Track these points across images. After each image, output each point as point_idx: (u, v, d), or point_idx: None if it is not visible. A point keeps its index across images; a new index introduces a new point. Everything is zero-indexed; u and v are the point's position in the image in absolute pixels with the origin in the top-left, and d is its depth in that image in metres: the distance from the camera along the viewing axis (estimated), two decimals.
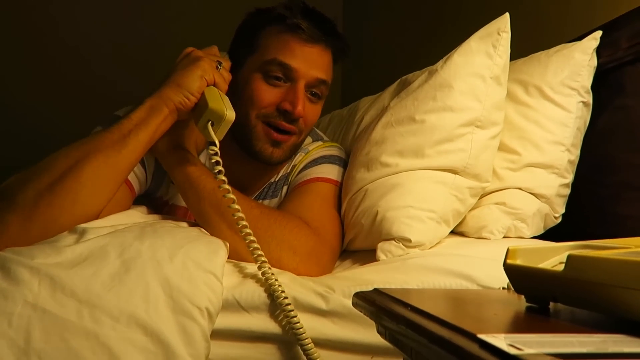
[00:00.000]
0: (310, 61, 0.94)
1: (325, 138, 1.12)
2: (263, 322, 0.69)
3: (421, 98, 0.92)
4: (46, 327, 0.58)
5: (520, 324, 0.46)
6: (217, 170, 0.76)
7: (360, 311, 0.57)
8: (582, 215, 1.00)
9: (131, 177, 0.88)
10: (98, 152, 0.76)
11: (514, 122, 0.96)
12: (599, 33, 0.96)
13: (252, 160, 0.97)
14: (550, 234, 0.95)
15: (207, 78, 0.84)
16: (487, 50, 0.90)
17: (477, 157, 0.88)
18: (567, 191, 0.95)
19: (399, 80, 1.14)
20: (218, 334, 0.66)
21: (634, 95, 0.94)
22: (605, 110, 0.98)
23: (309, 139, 1.07)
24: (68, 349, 0.58)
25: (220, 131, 0.82)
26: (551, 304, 0.49)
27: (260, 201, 1.03)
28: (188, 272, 0.65)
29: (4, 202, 0.73)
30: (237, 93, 0.94)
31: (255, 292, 0.70)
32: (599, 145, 0.99)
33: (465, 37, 0.94)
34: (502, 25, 0.91)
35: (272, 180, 1.05)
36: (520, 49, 1.03)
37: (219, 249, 0.72)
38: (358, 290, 0.61)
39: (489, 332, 0.38)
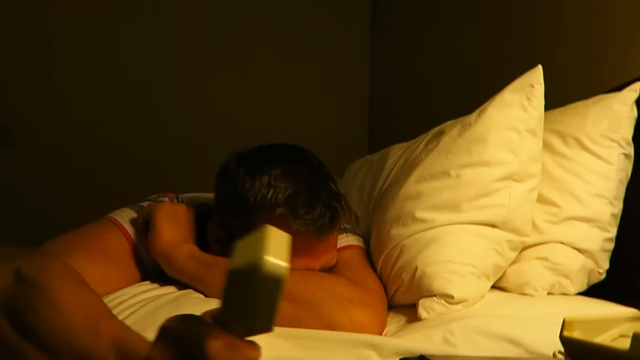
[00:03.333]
0: (321, 254, 0.84)
1: None
2: None
3: (455, 152, 0.91)
4: None
5: None
6: None
7: None
8: (625, 270, 0.97)
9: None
10: None
11: (553, 173, 0.95)
12: (638, 84, 0.95)
13: None
14: (594, 288, 0.92)
15: None
16: (521, 102, 0.90)
17: (515, 211, 0.87)
18: (611, 246, 0.92)
19: (432, 131, 1.14)
20: None
21: None
22: None
23: None
24: None
25: None
26: None
27: None
28: None
29: None
30: None
31: None
32: None
33: (502, 88, 0.94)
34: (535, 77, 0.91)
35: None
36: (557, 97, 1.02)
37: None
38: (402, 355, 0.60)
39: None
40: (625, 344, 0.44)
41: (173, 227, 0.85)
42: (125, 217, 0.90)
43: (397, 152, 1.24)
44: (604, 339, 0.49)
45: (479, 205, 0.86)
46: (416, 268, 0.83)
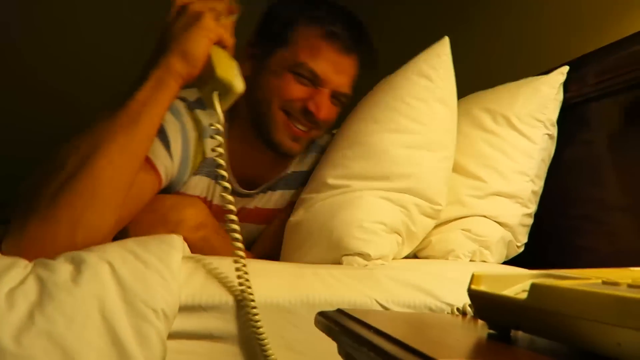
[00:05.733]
0: (338, 71, 0.94)
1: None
2: (223, 323, 0.66)
3: (365, 121, 0.91)
4: None
5: (482, 351, 0.46)
6: (220, 167, 0.70)
7: (323, 331, 0.56)
8: (542, 245, 1.02)
9: (158, 164, 0.84)
10: (110, 142, 0.71)
11: (481, 149, 0.97)
12: (565, 68, 0.99)
13: (267, 150, 0.96)
14: (512, 263, 0.96)
15: (211, 37, 0.75)
16: (428, 73, 0.91)
17: (425, 179, 0.87)
18: (530, 221, 0.96)
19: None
20: (176, 335, 0.64)
21: (598, 131, 0.97)
22: (570, 143, 1.01)
23: None
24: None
25: (226, 103, 0.74)
26: (512, 332, 0.49)
27: (271, 192, 1.04)
28: (142, 274, 0.63)
29: (23, 207, 0.69)
30: (263, 79, 0.93)
31: (215, 292, 0.67)
32: (562, 177, 1.01)
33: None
34: (442, 48, 0.93)
35: (285, 172, 1.04)
36: (495, 77, 1.05)
37: (174, 247, 0.69)
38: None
39: (452, 358, 0.37)
40: (525, 295, 0.46)
41: None
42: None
43: None
44: (507, 292, 0.51)
45: (389, 174, 0.86)
46: (332, 231, 0.82)
